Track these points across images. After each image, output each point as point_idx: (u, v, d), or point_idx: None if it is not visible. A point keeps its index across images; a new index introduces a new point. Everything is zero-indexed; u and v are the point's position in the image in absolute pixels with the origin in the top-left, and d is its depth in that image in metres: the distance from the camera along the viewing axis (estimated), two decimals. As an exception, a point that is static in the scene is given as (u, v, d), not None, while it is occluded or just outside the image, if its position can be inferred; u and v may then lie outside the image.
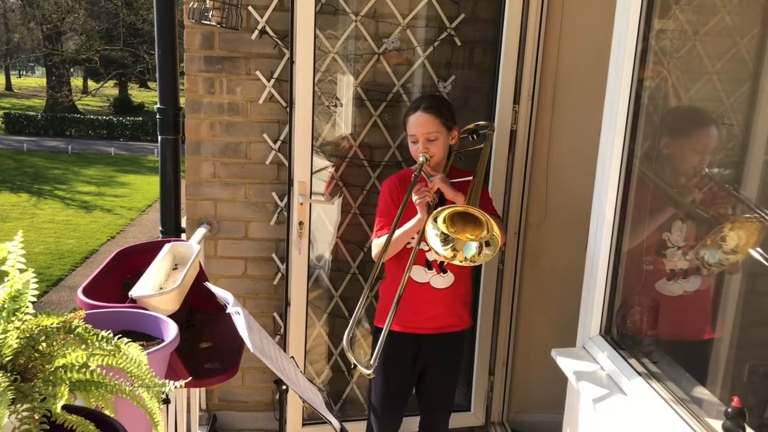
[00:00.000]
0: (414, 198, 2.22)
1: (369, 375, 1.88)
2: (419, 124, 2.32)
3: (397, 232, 2.27)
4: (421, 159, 2.29)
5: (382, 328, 2.46)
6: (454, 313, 2.47)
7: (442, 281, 2.41)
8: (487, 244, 2.06)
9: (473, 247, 2.08)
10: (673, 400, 1.71)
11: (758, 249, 1.72)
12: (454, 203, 2.23)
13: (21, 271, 1.13)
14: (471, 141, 2.61)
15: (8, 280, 1.12)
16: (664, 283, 2.08)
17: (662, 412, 1.70)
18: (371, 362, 1.91)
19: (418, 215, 2.25)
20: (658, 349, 1.97)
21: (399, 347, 2.44)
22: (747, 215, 1.80)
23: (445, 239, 2.07)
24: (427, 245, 2.16)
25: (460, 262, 2.10)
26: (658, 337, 2.07)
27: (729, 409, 1.47)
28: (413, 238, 2.29)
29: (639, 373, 1.86)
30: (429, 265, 2.40)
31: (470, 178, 2.26)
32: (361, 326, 3.13)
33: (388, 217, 2.39)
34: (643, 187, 2.06)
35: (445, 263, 2.36)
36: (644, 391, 1.79)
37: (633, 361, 1.93)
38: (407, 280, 2.15)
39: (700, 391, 1.77)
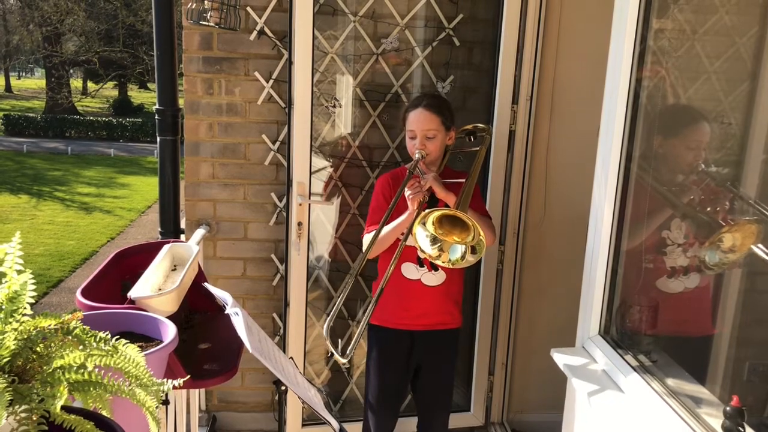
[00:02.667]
0: (407, 192, 2.23)
1: (343, 363, 1.88)
2: (419, 121, 2.33)
3: (387, 228, 2.27)
4: (417, 155, 2.31)
5: (376, 326, 2.48)
6: (445, 310, 2.48)
7: (433, 279, 2.42)
8: (473, 250, 2.05)
9: (458, 250, 2.08)
10: (673, 399, 1.71)
11: (759, 246, 1.72)
12: (445, 203, 2.24)
13: (19, 272, 1.13)
14: (467, 142, 2.61)
15: (6, 282, 1.12)
16: (665, 281, 2.08)
17: (661, 412, 1.70)
18: (348, 351, 1.93)
19: (409, 210, 2.25)
20: (658, 348, 1.97)
21: (392, 344, 2.46)
22: (745, 218, 1.80)
23: (434, 239, 2.08)
24: (415, 242, 2.16)
25: (443, 263, 2.10)
26: (657, 335, 2.07)
27: (728, 408, 1.47)
28: (402, 234, 2.30)
29: (638, 373, 1.86)
30: (420, 262, 2.40)
31: (463, 180, 2.26)
32: (359, 325, 3.13)
33: (379, 214, 2.41)
34: (642, 186, 2.07)
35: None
36: (644, 391, 1.79)
37: (632, 360, 1.93)
38: (395, 274, 2.17)
39: (700, 390, 1.77)
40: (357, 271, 2.13)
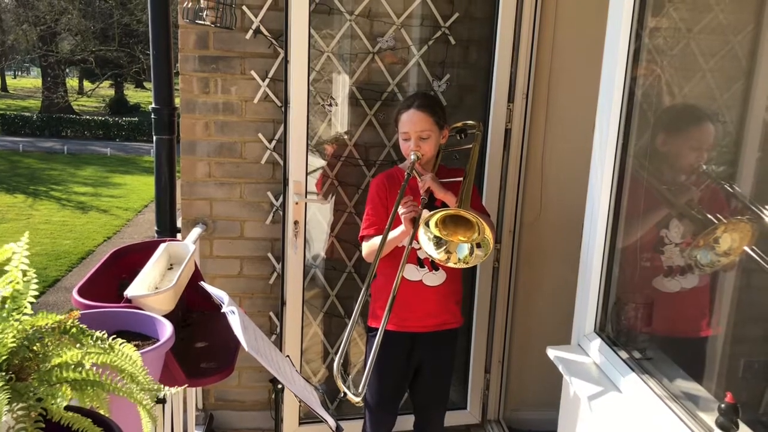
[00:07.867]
0: (400, 210, 2.20)
1: (358, 403, 1.84)
2: (413, 122, 2.33)
3: (384, 239, 2.22)
4: (412, 157, 2.30)
5: (376, 328, 2.47)
6: (447, 310, 2.48)
7: (434, 279, 2.41)
8: (478, 245, 2.06)
9: (465, 248, 2.08)
10: (668, 397, 1.72)
11: (754, 247, 1.73)
12: (445, 204, 2.23)
13: (24, 272, 1.13)
14: (458, 140, 2.61)
15: (10, 281, 1.12)
16: (661, 280, 2.08)
17: (656, 409, 1.71)
18: (360, 390, 1.84)
19: (402, 227, 2.23)
20: (653, 346, 1.98)
21: (393, 346, 2.44)
22: (740, 216, 1.80)
23: (438, 242, 2.07)
24: (419, 246, 2.15)
25: (455, 264, 2.10)
26: (653, 333, 2.07)
27: (722, 405, 1.47)
28: (401, 245, 2.29)
29: (633, 370, 1.87)
30: (421, 263, 2.40)
31: (460, 179, 2.26)
32: (357, 324, 3.13)
33: (375, 216, 2.41)
34: (638, 185, 2.07)
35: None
36: (639, 388, 1.80)
37: (627, 357, 1.94)
38: (400, 280, 2.15)
39: (695, 388, 1.78)
40: (369, 280, 2.09)
